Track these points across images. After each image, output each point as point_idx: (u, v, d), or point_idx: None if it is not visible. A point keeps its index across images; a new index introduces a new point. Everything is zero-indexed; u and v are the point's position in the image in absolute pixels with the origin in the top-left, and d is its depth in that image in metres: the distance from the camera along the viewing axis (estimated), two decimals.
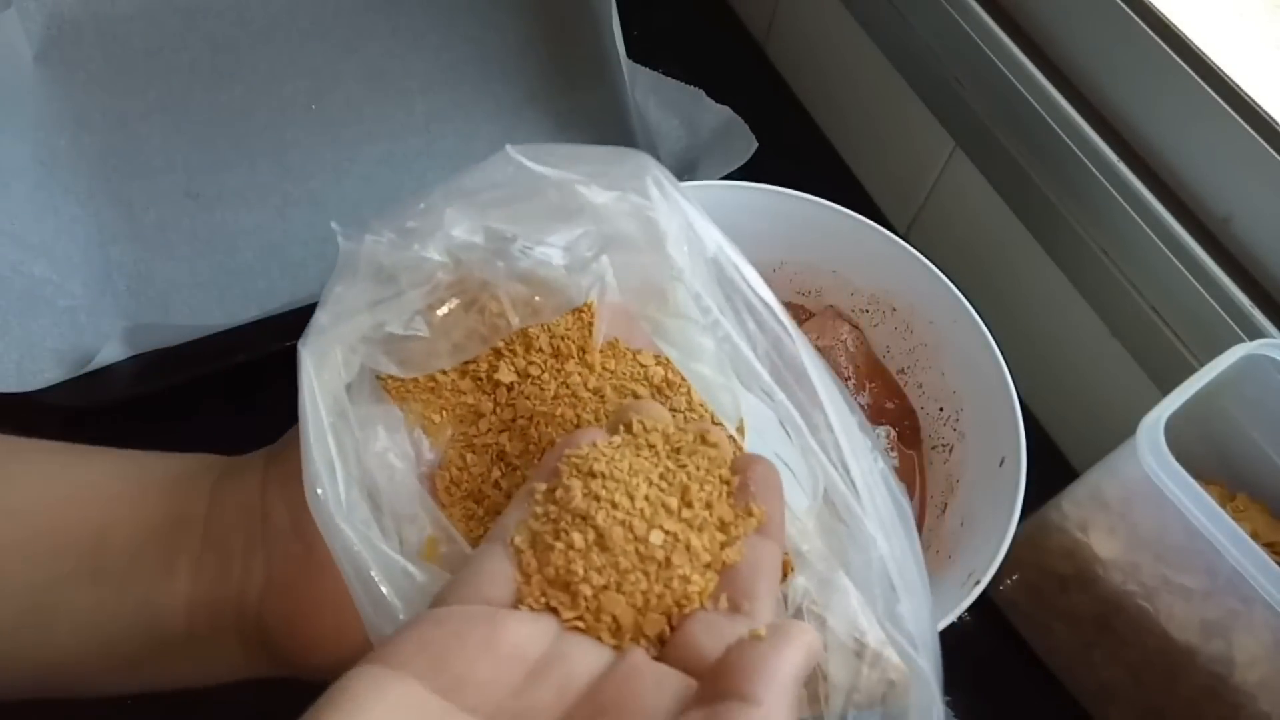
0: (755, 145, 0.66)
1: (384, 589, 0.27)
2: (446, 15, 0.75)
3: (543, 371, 0.34)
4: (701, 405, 0.34)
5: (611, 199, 0.30)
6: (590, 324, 0.35)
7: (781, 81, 0.80)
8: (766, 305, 0.30)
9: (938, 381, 0.54)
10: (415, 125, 0.70)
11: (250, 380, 0.52)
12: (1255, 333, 0.47)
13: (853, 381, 0.56)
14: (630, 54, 0.68)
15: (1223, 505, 0.42)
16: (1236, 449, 0.49)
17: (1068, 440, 0.62)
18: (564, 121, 0.71)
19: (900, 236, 0.54)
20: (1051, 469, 0.56)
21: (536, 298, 0.33)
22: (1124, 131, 0.54)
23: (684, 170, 0.68)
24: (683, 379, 0.34)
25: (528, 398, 0.34)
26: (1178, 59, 0.50)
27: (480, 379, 0.34)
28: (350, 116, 0.70)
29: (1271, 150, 0.47)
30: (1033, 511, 0.50)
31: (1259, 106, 0.48)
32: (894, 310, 0.56)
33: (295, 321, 0.57)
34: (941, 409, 0.54)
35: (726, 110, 0.69)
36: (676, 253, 0.30)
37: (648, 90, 0.71)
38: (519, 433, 0.33)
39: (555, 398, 0.33)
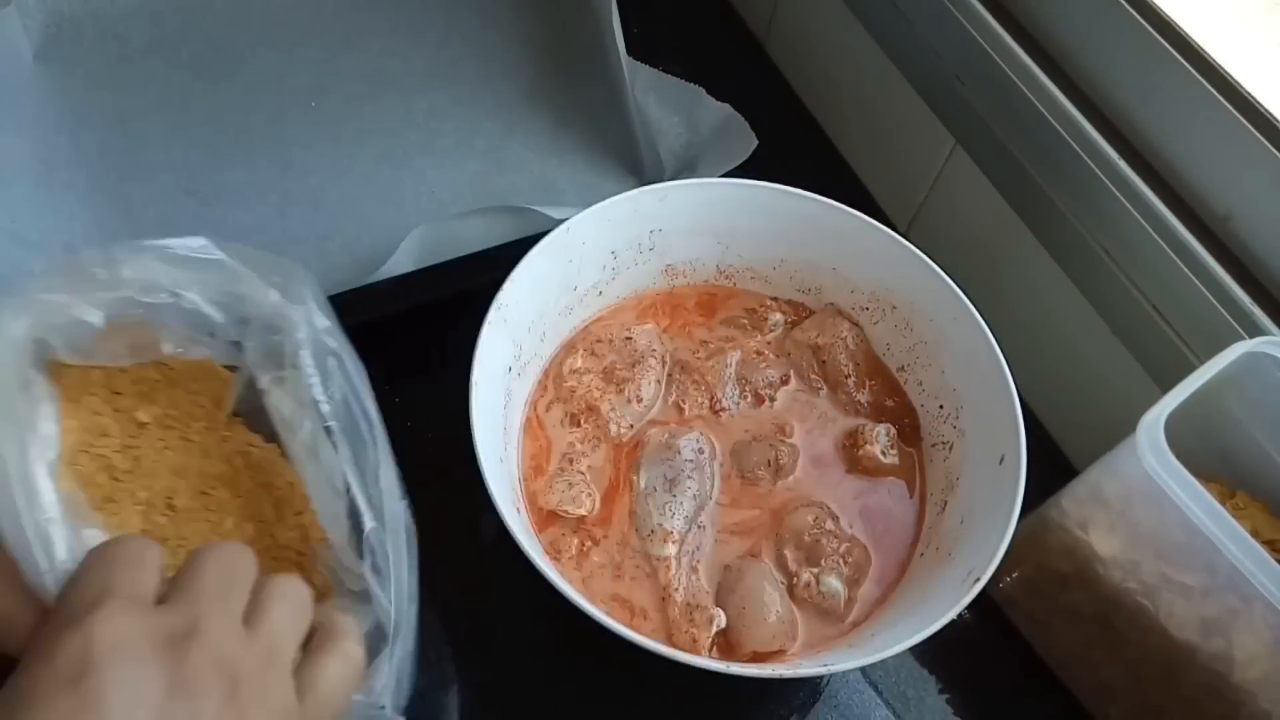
0: (755, 143, 0.66)
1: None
2: (446, 12, 0.75)
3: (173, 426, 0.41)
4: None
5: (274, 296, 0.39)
6: (225, 389, 0.43)
7: (782, 79, 0.80)
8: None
9: (938, 379, 0.54)
10: (415, 122, 0.70)
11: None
12: (1255, 330, 0.47)
13: (853, 379, 0.56)
14: (630, 51, 0.68)
15: (1222, 503, 0.42)
16: (1236, 447, 0.49)
17: (1067, 438, 0.62)
18: (563, 119, 0.71)
19: (900, 234, 0.54)
20: (1051, 467, 0.56)
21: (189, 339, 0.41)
22: (1124, 129, 0.54)
23: (684, 168, 0.68)
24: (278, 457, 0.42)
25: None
26: (1179, 57, 0.50)
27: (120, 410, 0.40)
28: (349, 114, 0.70)
29: (1272, 148, 0.47)
30: (1032, 509, 0.50)
31: (1260, 104, 0.48)
32: (894, 308, 0.56)
33: None
34: (941, 406, 0.54)
35: (726, 108, 0.69)
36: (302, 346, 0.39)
37: (647, 87, 0.71)
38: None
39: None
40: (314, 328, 0.40)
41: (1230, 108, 0.48)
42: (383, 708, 0.36)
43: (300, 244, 0.63)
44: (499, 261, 0.61)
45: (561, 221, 0.59)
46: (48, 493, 0.33)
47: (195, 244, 0.38)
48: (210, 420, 0.43)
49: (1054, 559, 0.50)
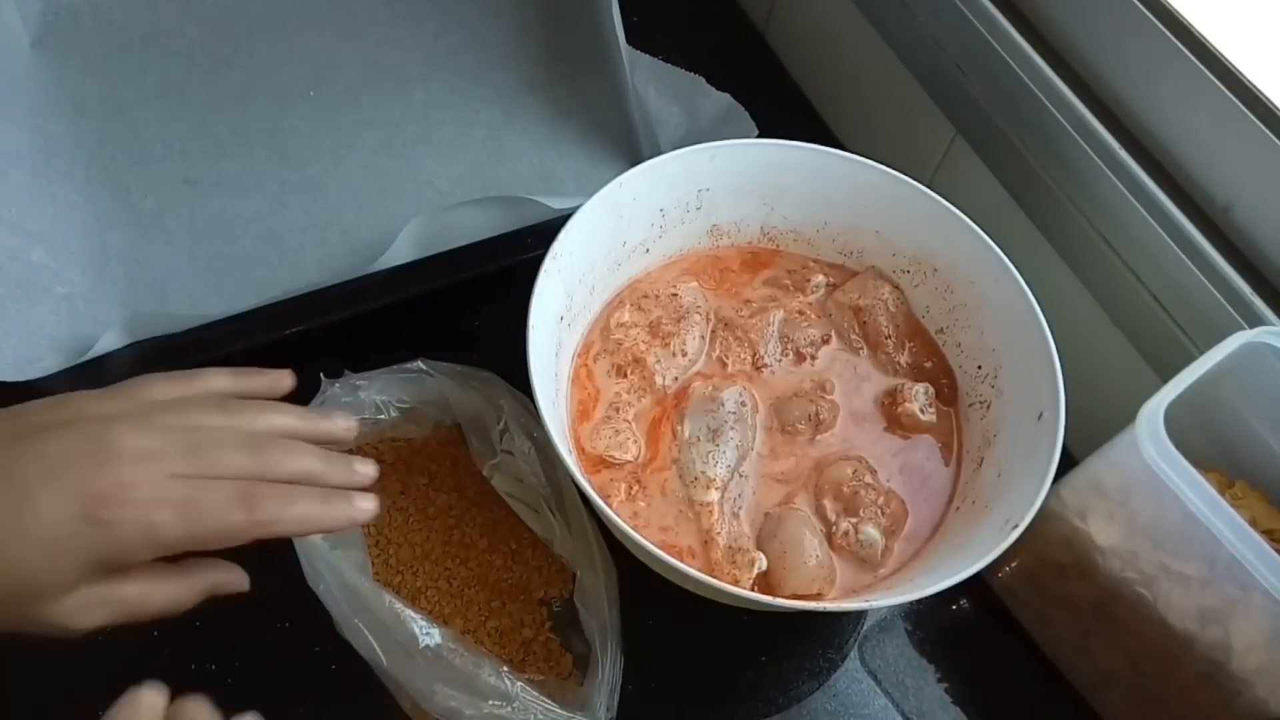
0: (755, 132, 0.66)
1: None
2: (444, 1, 0.75)
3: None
4: None
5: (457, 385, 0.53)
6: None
7: (782, 68, 0.79)
8: None
9: (977, 340, 0.54)
10: (413, 112, 0.70)
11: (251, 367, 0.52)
12: (1255, 320, 0.47)
13: (892, 340, 0.57)
14: (630, 40, 0.68)
15: (1221, 493, 0.42)
16: (1235, 437, 0.49)
17: (1067, 427, 0.61)
18: (563, 108, 0.71)
19: None
20: None
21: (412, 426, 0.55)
22: (1126, 119, 0.54)
23: None
24: None
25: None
26: (1182, 47, 0.50)
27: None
28: (348, 103, 0.70)
29: (1274, 137, 0.47)
30: None
31: (1262, 94, 0.48)
32: (935, 271, 0.56)
33: (293, 310, 0.57)
34: (980, 367, 0.54)
35: (726, 97, 0.69)
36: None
37: (647, 77, 0.70)
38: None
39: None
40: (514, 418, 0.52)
41: (1232, 97, 0.48)
42: None
43: (299, 233, 0.63)
44: (498, 251, 0.61)
45: (560, 212, 0.59)
46: None
47: (414, 366, 0.52)
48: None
49: (1053, 549, 0.50)
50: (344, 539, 0.49)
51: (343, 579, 0.45)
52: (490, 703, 0.43)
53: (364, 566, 0.50)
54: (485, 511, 0.54)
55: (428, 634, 0.44)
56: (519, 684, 0.44)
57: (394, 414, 0.53)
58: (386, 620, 0.44)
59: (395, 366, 0.52)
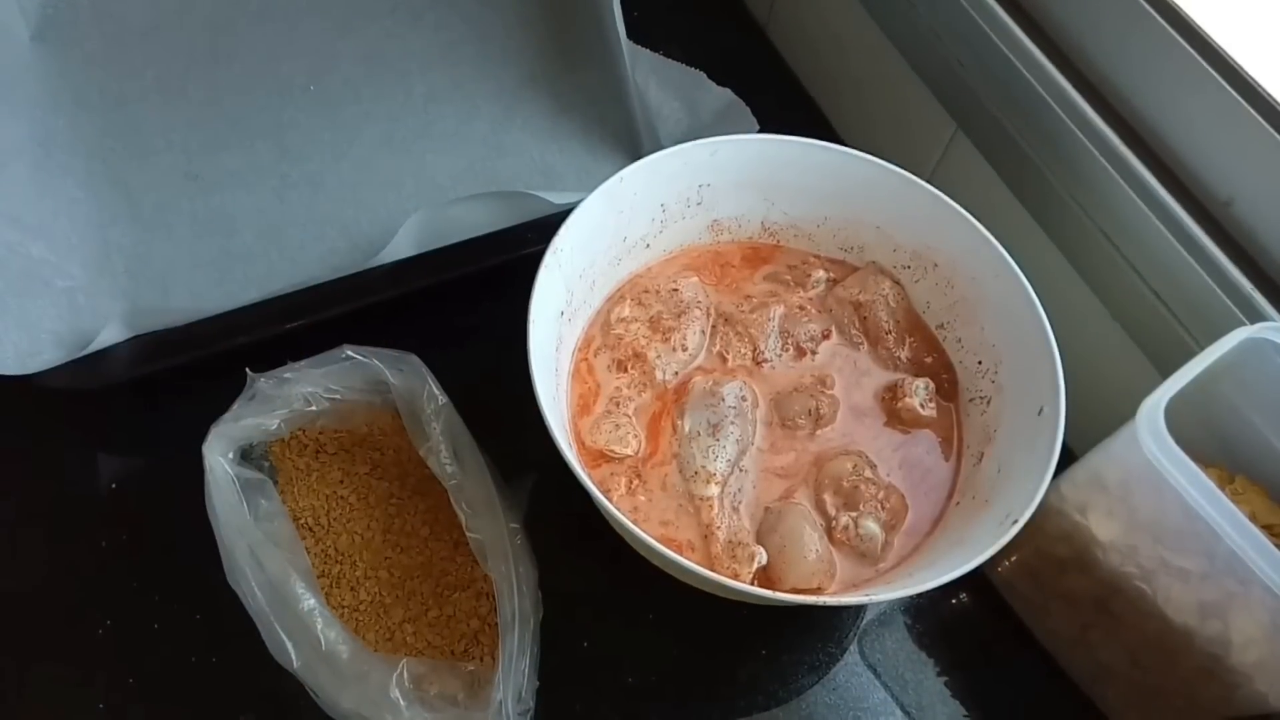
0: (756, 127, 0.66)
1: None
2: None
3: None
4: None
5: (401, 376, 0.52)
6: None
7: (783, 64, 0.79)
8: None
9: (977, 336, 0.54)
10: (414, 106, 0.70)
11: (250, 363, 0.52)
12: (1256, 316, 0.47)
13: (893, 335, 0.57)
14: (631, 35, 0.68)
15: (1221, 488, 0.42)
16: (1235, 432, 0.49)
17: (1066, 423, 0.62)
18: (563, 103, 0.71)
19: None
20: None
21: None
22: (1126, 114, 0.54)
23: None
24: None
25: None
26: (1182, 41, 0.50)
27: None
28: (348, 97, 0.69)
29: (1275, 132, 0.47)
30: None
31: (1262, 89, 0.48)
32: (936, 266, 0.56)
33: (294, 304, 0.57)
34: (980, 362, 0.54)
35: (727, 92, 0.69)
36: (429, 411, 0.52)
37: (648, 72, 0.70)
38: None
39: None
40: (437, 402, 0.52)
41: (1233, 92, 0.48)
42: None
43: (299, 228, 0.63)
44: (499, 246, 0.61)
45: (561, 207, 0.58)
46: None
47: (340, 353, 0.52)
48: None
49: (1052, 544, 0.50)
50: (271, 528, 0.50)
51: (265, 575, 0.45)
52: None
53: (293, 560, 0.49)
54: (427, 499, 0.53)
55: (340, 641, 0.45)
56: (417, 706, 0.44)
57: (324, 404, 0.52)
58: (305, 621, 0.45)
59: (321, 355, 0.52)
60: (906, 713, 0.53)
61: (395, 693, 0.44)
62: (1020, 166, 0.58)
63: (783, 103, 0.76)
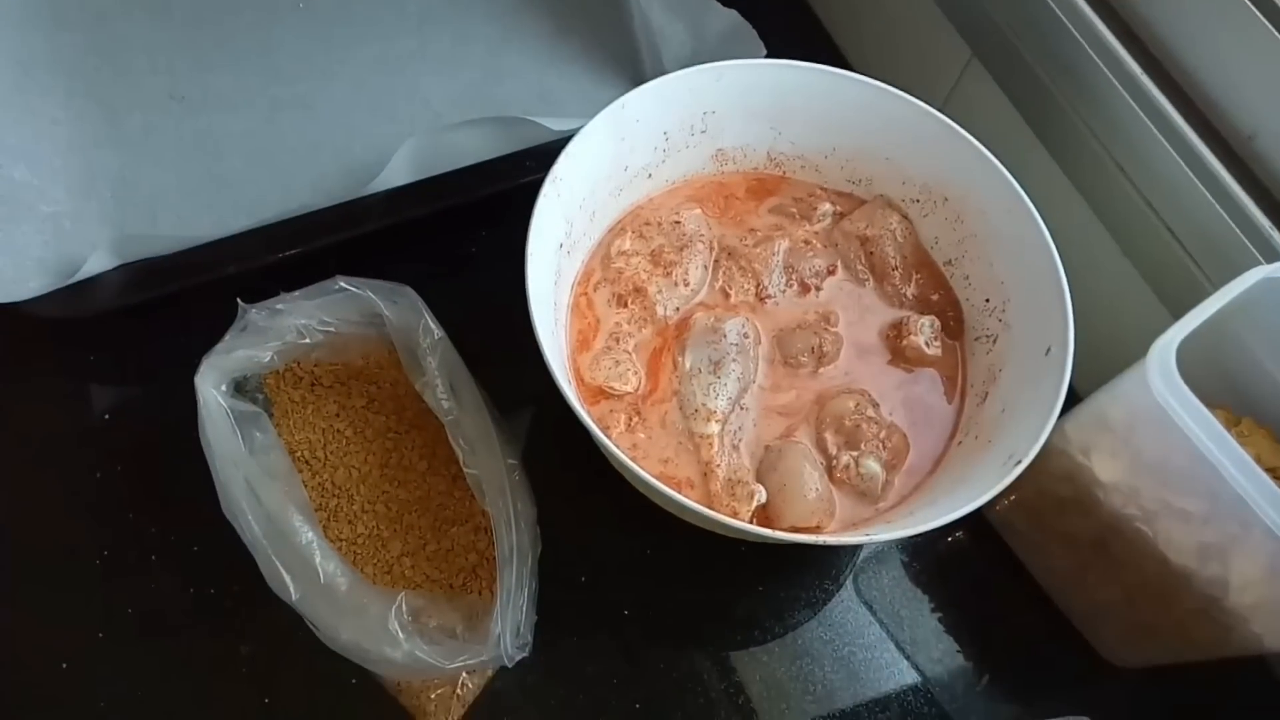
0: (764, 51, 0.63)
1: None
2: None
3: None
4: None
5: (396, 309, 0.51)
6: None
7: None
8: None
9: (986, 273, 0.53)
10: (408, 26, 0.67)
11: (241, 292, 0.50)
12: (1273, 255, 0.46)
13: (899, 271, 0.55)
14: None
15: (1228, 429, 0.41)
16: (1245, 373, 0.48)
17: (1073, 363, 0.61)
18: (563, 25, 0.68)
19: None
20: None
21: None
22: (1148, 40, 0.52)
23: None
24: None
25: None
26: None
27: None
28: (340, 16, 0.67)
29: None
30: None
31: None
32: (946, 200, 0.55)
33: (286, 233, 0.56)
34: (988, 300, 0.53)
35: (734, 14, 0.66)
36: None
37: None
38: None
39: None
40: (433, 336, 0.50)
41: (1262, 18, 0.46)
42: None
43: (290, 153, 0.61)
44: (496, 174, 0.60)
45: (560, 134, 0.57)
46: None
47: (334, 284, 0.50)
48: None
49: (1054, 483, 0.50)
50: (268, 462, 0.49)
51: (262, 508, 0.45)
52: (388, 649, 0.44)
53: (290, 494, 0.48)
54: (424, 433, 0.53)
55: (338, 574, 0.45)
56: (416, 639, 0.44)
57: (318, 336, 0.51)
58: (303, 554, 0.45)
59: (314, 286, 0.50)
60: (900, 648, 0.53)
61: (394, 625, 0.44)
62: (1037, 96, 0.56)
63: (791, 26, 0.73)
